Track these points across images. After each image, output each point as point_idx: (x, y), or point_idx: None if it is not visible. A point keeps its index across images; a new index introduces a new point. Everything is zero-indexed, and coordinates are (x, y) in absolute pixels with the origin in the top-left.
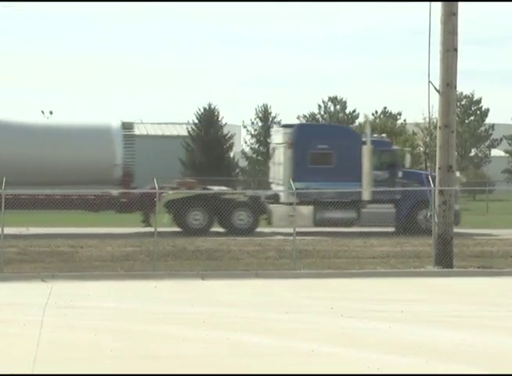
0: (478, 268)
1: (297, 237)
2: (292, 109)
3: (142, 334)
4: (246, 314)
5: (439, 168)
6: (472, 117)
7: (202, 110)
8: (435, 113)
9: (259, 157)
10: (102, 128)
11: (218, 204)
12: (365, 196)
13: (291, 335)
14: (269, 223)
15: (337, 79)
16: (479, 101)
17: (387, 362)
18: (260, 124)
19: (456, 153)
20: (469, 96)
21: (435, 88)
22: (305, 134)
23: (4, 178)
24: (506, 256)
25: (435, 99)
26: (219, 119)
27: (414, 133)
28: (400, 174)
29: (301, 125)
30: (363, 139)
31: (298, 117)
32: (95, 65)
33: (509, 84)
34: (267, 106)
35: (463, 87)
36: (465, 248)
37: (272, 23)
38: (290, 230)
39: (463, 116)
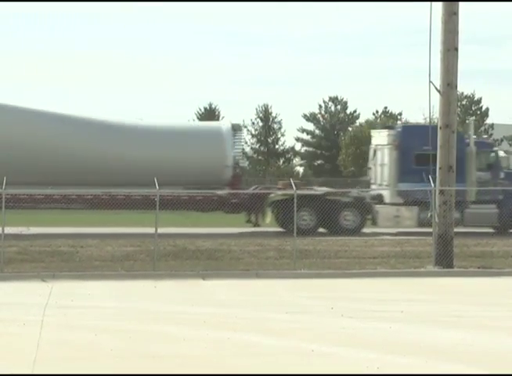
0: (478, 268)
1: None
2: (292, 109)
3: (142, 334)
4: (247, 314)
5: (440, 168)
6: (473, 117)
7: (203, 110)
8: (436, 113)
9: (260, 157)
10: (214, 129)
11: (324, 205)
12: (470, 196)
13: (291, 335)
14: (374, 224)
15: (338, 79)
16: (479, 101)
17: (386, 362)
18: (260, 124)
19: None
20: (469, 96)
21: (436, 88)
22: (410, 135)
23: (4, 178)
24: (506, 256)
25: (436, 98)
26: (220, 118)
27: None
28: (502, 175)
29: (406, 127)
30: (466, 141)
31: (401, 120)
32: (95, 64)
33: (509, 84)
34: (267, 105)
35: (464, 87)
36: (465, 248)
37: (272, 23)
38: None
39: (463, 116)
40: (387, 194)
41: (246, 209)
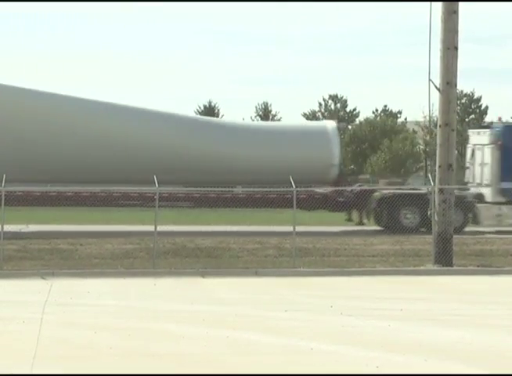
0: (478, 266)
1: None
2: (292, 106)
3: (141, 332)
4: (246, 312)
5: (439, 167)
6: (472, 116)
7: (202, 108)
8: (435, 112)
9: None
10: (320, 129)
11: (427, 204)
12: None
13: (291, 333)
14: (475, 223)
15: (338, 77)
16: (479, 99)
17: (386, 360)
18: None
19: (456, 151)
20: (469, 95)
21: (436, 87)
22: None
23: (4, 176)
24: (505, 255)
25: (436, 97)
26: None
27: (414, 131)
28: None
29: (508, 126)
30: None
31: (499, 119)
32: (95, 62)
33: (509, 83)
34: (267, 103)
35: (464, 85)
36: (465, 247)
37: (272, 22)
38: (289, 229)
39: (463, 114)
40: (488, 193)
41: (352, 207)
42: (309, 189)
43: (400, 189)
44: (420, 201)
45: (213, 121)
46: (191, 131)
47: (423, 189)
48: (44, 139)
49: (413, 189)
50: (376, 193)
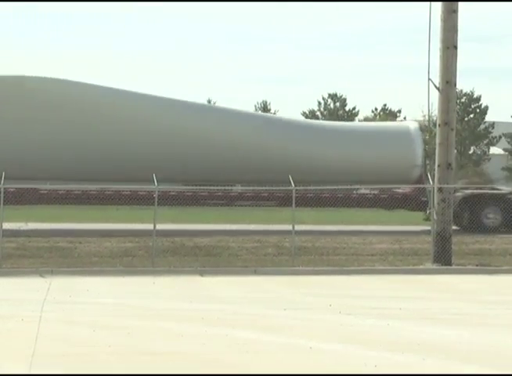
0: (477, 265)
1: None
2: (292, 105)
3: (140, 330)
4: (245, 311)
5: (438, 166)
6: (472, 115)
7: None
8: (435, 111)
9: None
10: (403, 129)
11: (508, 204)
12: None
13: (289, 332)
14: None
15: (337, 76)
16: (479, 99)
17: (384, 359)
18: None
19: (456, 150)
20: (469, 94)
21: (435, 86)
22: None
23: (3, 173)
24: (504, 254)
25: (435, 96)
26: None
27: None
28: None
29: None
30: None
31: None
32: (95, 61)
33: (509, 82)
34: (266, 102)
35: (463, 85)
36: (464, 246)
37: (272, 21)
38: (289, 227)
39: (462, 113)
40: None
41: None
42: (307, 187)
43: (480, 188)
44: (502, 201)
45: (295, 122)
46: (274, 130)
47: (504, 189)
48: (125, 139)
49: (493, 188)
50: (458, 193)
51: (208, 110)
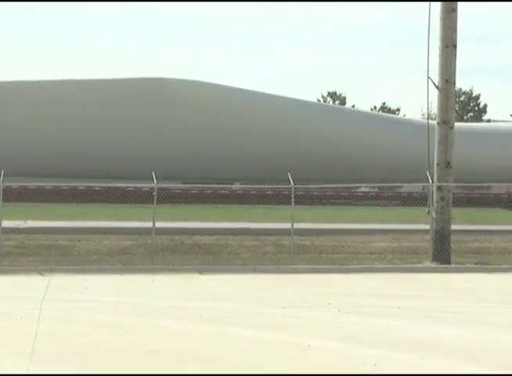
0: (476, 264)
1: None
2: None
3: (139, 328)
4: (244, 309)
5: (437, 164)
6: (471, 114)
7: None
8: (434, 109)
9: None
10: None
11: None
12: None
13: (288, 330)
14: None
15: (337, 74)
16: (478, 97)
17: (383, 357)
18: None
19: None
20: (468, 92)
21: (434, 84)
22: None
23: (2, 171)
24: (503, 252)
25: (434, 95)
26: None
27: None
28: None
29: None
30: None
31: None
32: (94, 60)
33: (507, 80)
34: None
35: (462, 83)
36: (462, 244)
37: (271, 20)
38: (288, 226)
39: (461, 112)
40: None
41: None
42: (307, 186)
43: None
44: None
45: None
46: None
47: None
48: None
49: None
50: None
51: (333, 110)
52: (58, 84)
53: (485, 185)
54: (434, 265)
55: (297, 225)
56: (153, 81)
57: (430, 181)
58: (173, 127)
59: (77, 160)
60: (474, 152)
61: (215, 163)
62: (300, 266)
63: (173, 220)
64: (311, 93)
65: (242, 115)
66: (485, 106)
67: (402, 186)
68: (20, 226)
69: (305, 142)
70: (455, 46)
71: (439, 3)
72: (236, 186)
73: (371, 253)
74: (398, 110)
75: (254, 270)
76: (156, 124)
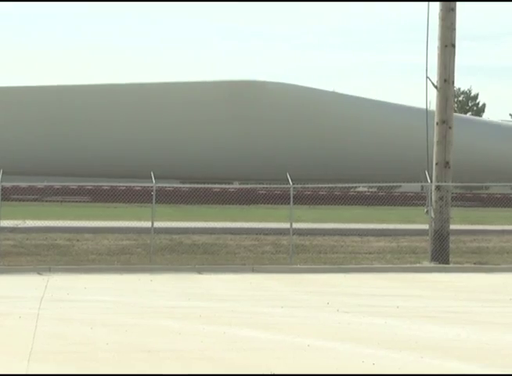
0: (474, 264)
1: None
2: None
3: (138, 328)
4: (243, 308)
5: (436, 164)
6: (469, 113)
7: None
8: (433, 109)
9: None
10: None
11: None
12: None
13: (287, 330)
14: None
15: (336, 74)
16: (476, 97)
17: (382, 357)
18: None
19: None
20: (466, 92)
21: (433, 84)
22: None
23: (0, 170)
24: (501, 252)
25: (433, 94)
26: None
27: None
28: None
29: None
30: None
31: None
32: (92, 58)
33: (506, 80)
34: None
35: (461, 83)
36: (461, 244)
37: (272, 18)
38: (286, 225)
39: (460, 112)
40: None
41: None
42: (305, 185)
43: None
44: None
45: None
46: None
47: None
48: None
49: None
50: None
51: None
52: (157, 86)
53: (484, 185)
54: (432, 264)
55: (295, 225)
56: (250, 84)
57: (429, 181)
58: (272, 127)
59: (182, 161)
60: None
61: (316, 163)
62: (298, 266)
63: (172, 220)
64: None
65: (347, 118)
66: (484, 105)
67: (400, 186)
68: (19, 226)
69: (405, 145)
70: (453, 46)
71: (438, 3)
72: (235, 186)
73: (370, 253)
74: None
75: (253, 270)
76: (252, 125)
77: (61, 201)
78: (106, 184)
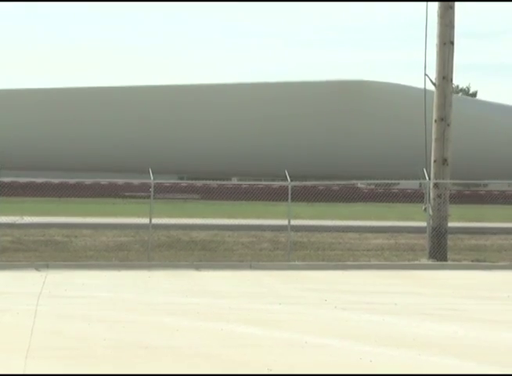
0: (472, 261)
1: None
2: None
3: (135, 324)
4: (240, 305)
5: (434, 161)
6: None
7: None
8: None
9: None
10: None
11: None
12: None
13: (285, 327)
14: None
15: (333, 71)
16: (475, 94)
17: (379, 354)
18: None
19: None
20: (465, 90)
21: (431, 81)
22: None
23: None
24: (500, 250)
25: (431, 92)
26: None
27: None
28: None
29: None
30: None
31: None
32: (86, 52)
33: (504, 77)
34: None
35: (459, 80)
36: (459, 242)
37: (270, 16)
38: (284, 222)
39: None
40: None
41: None
42: (304, 182)
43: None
44: None
45: None
46: None
47: None
48: None
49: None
50: None
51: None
52: (258, 86)
53: (482, 182)
54: (430, 262)
55: (293, 222)
56: (354, 84)
57: (427, 178)
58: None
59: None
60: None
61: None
62: (296, 263)
63: (170, 216)
64: None
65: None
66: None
67: (398, 183)
68: (16, 222)
69: None
70: (452, 43)
71: (437, 1)
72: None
73: (368, 250)
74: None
75: (251, 267)
76: (355, 122)
77: (59, 197)
78: (104, 180)
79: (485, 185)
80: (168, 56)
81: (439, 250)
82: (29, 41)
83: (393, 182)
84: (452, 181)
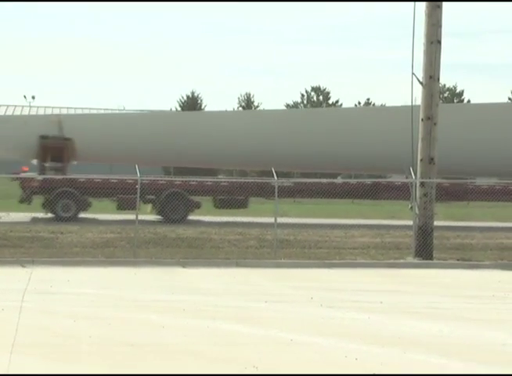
0: (458, 260)
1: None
2: (275, 98)
3: (121, 321)
4: (226, 303)
5: (421, 160)
6: None
7: (185, 98)
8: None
9: None
10: None
11: None
12: None
13: (271, 324)
14: None
15: (321, 69)
16: (461, 93)
17: (365, 352)
18: None
19: None
20: (451, 89)
21: (418, 81)
22: None
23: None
24: (485, 249)
25: (418, 91)
26: (202, 107)
27: None
28: None
29: None
30: None
31: None
32: (79, 51)
33: (490, 77)
34: (250, 94)
35: (446, 79)
36: (445, 240)
37: (256, 13)
38: (271, 220)
39: None
40: None
41: None
42: (290, 179)
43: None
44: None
45: None
46: None
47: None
48: None
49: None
50: None
51: None
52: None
53: (469, 180)
54: (416, 260)
55: (280, 220)
56: None
57: (414, 177)
58: None
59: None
60: None
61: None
62: (283, 261)
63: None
64: (295, 88)
65: None
66: (469, 102)
67: (386, 179)
68: (2, 218)
69: None
70: (439, 42)
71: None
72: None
73: (354, 248)
74: (383, 105)
75: (237, 264)
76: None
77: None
78: (97, 177)
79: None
80: (165, 56)
81: (425, 248)
82: (29, 40)
83: (381, 180)
84: (438, 180)
